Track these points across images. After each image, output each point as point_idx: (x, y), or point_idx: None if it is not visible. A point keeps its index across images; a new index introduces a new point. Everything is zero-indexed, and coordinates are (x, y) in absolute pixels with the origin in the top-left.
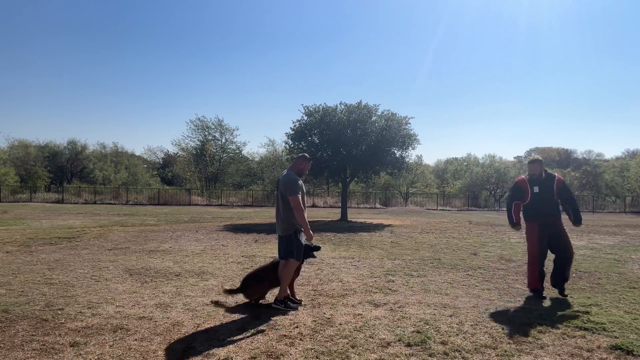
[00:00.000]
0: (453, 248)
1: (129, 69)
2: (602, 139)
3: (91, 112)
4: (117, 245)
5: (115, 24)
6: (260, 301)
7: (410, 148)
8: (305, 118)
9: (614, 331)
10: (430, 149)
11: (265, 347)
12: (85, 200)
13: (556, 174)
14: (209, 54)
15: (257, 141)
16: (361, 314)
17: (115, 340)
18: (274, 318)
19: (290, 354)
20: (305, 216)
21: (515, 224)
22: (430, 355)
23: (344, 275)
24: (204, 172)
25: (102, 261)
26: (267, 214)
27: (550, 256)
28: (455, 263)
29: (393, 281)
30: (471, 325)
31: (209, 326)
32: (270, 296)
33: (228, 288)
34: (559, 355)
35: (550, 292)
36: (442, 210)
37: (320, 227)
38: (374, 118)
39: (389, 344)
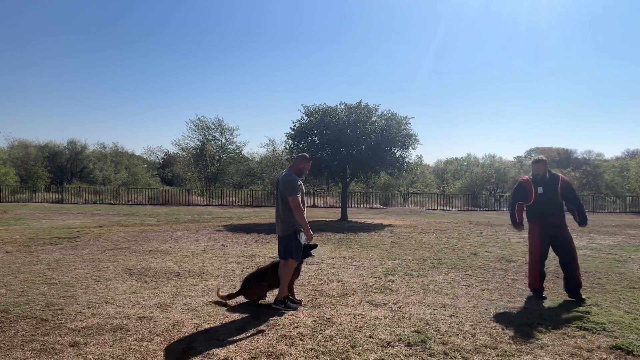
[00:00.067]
0: (453, 248)
1: (129, 69)
2: (602, 139)
3: (91, 112)
4: (117, 245)
5: (115, 24)
6: (260, 301)
7: (410, 148)
8: (305, 118)
9: (614, 331)
10: (430, 149)
11: (265, 347)
12: (85, 200)
13: (560, 175)
14: (209, 54)
15: (257, 141)
16: (361, 314)
17: (115, 340)
18: (274, 318)
19: (290, 354)
20: (305, 216)
21: (518, 225)
22: (430, 355)
23: (344, 275)
24: (204, 172)
25: (102, 261)
26: (267, 214)
27: (555, 258)
28: (455, 263)
29: (393, 281)
30: (471, 325)
31: (209, 326)
32: (271, 296)
33: (225, 294)
34: (559, 355)
35: (550, 292)
36: (442, 210)
37: (320, 227)
38: (374, 118)
39: (389, 344)
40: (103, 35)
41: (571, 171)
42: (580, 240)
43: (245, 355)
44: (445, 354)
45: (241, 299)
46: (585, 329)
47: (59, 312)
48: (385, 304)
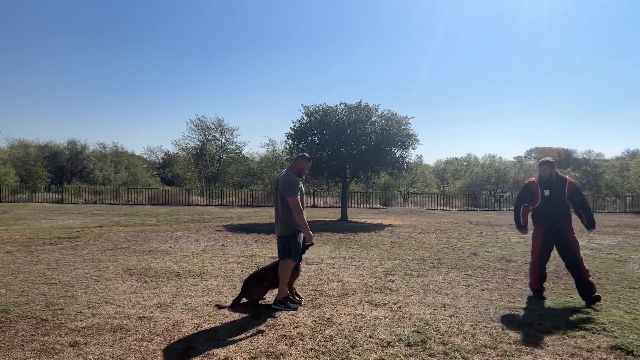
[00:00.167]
0: (453, 248)
1: (129, 69)
2: (602, 139)
3: (91, 112)
4: (117, 245)
5: (115, 24)
6: (260, 301)
7: (410, 148)
8: (305, 118)
9: (614, 331)
10: (430, 149)
11: (265, 347)
12: (85, 200)
13: (568, 177)
14: (209, 54)
15: (257, 141)
16: (361, 314)
17: (115, 340)
18: (274, 318)
19: (290, 354)
20: (305, 217)
21: (522, 227)
22: (430, 355)
23: (344, 275)
24: (204, 172)
25: (102, 261)
26: (267, 214)
27: (555, 259)
28: (455, 263)
29: (393, 281)
30: (471, 325)
31: (209, 326)
32: (271, 297)
33: (229, 305)
34: (559, 355)
35: (550, 292)
36: (442, 210)
37: (320, 227)
38: (374, 118)
39: (389, 344)
40: (103, 35)
41: (571, 171)
42: (581, 241)
43: (245, 355)
44: (445, 354)
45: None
46: (585, 329)
47: (59, 312)
48: (385, 304)
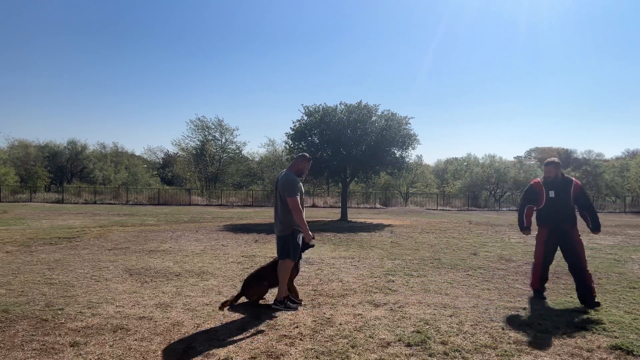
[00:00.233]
0: (453, 248)
1: (129, 69)
2: (602, 139)
3: (91, 112)
4: (117, 245)
5: (115, 24)
6: (260, 301)
7: (410, 148)
8: (305, 118)
9: (614, 331)
10: (430, 149)
11: (265, 347)
12: (85, 200)
13: (574, 179)
14: (209, 54)
15: (257, 141)
16: (361, 314)
17: (115, 340)
18: (274, 318)
19: (290, 354)
20: (304, 217)
21: (525, 229)
22: (430, 355)
23: (344, 275)
24: (204, 172)
25: (102, 261)
26: (267, 214)
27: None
28: (455, 263)
29: (393, 281)
30: (471, 325)
31: (209, 326)
32: (271, 296)
33: (230, 300)
34: (559, 355)
35: (550, 292)
36: (442, 210)
37: (320, 227)
38: (374, 118)
39: (389, 344)
40: (103, 35)
41: (571, 171)
42: None
43: (245, 355)
44: (445, 354)
45: (241, 299)
46: (585, 329)
47: (59, 312)
48: (385, 304)
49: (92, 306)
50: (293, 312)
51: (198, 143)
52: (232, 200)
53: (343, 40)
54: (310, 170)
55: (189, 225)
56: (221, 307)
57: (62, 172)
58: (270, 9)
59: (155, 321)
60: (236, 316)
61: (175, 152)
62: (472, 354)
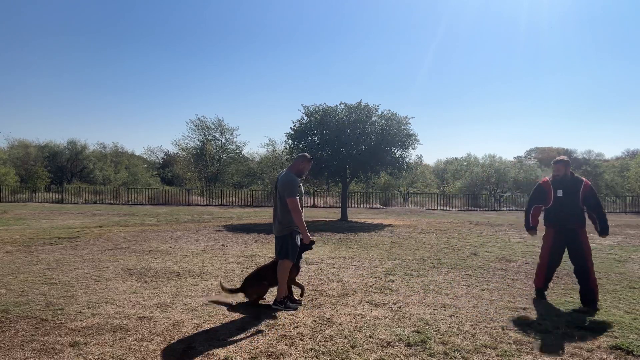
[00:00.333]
0: (453, 248)
1: (129, 69)
2: (602, 139)
3: (91, 112)
4: (117, 245)
5: (115, 24)
6: (260, 301)
7: (410, 148)
8: (305, 118)
9: (614, 331)
10: (430, 149)
11: (265, 347)
12: (85, 200)
13: (584, 178)
14: (209, 54)
15: (257, 141)
16: (361, 314)
17: (115, 340)
18: (274, 318)
19: (290, 354)
20: (303, 218)
21: (531, 229)
22: (430, 355)
23: (344, 275)
24: (204, 172)
25: (102, 261)
26: (267, 214)
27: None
28: (455, 263)
29: (393, 281)
30: (471, 325)
31: (209, 326)
32: (271, 296)
33: (229, 287)
34: (559, 355)
35: (550, 292)
36: (442, 210)
37: (320, 227)
38: (374, 118)
39: (389, 344)
40: (103, 35)
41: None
42: None
43: (245, 355)
44: (445, 354)
45: (241, 298)
46: (585, 329)
47: (59, 312)
48: (385, 304)
49: (92, 306)
50: (293, 312)
51: (198, 143)
52: (232, 200)
53: (343, 40)
54: (310, 170)
55: (189, 225)
56: (222, 288)
57: (62, 172)
58: (270, 9)
59: (155, 321)
60: (236, 316)
61: (175, 152)
62: (472, 354)
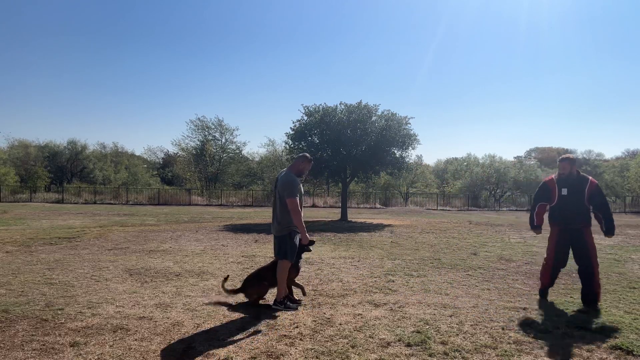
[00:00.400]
0: (453, 248)
1: (129, 69)
2: (602, 139)
3: (91, 112)
4: (117, 245)
5: (115, 24)
6: (260, 301)
7: (410, 148)
8: (305, 118)
9: (614, 331)
10: (430, 149)
11: (265, 347)
12: (85, 200)
13: (590, 177)
14: (209, 54)
15: (257, 141)
16: (361, 314)
17: (115, 340)
18: (274, 318)
19: (290, 354)
20: (302, 218)
21: (536, 227)
22: (430, 355)
23: (344, 275)
24: (204, 172)
25: (102, 261)
26: (267, 214)
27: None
28: (455, 263)
29: (393, 281)
30: (471, 325)
31: (209, 326)
32: (271, 296)
33: (230, 288)
34: (559, 355)
35: (551, 292)
36: (442, 210)
37: (320, 227)
38: (374, 118)
39: (389, 344)
40: (103, 35)
41: None
42: None
43: (245, 355)
44: (445, 354)
45: (241, 298)
46: (586, 329)
47: (59, 312)
48: (385, 304)
49: (92, 306)
50: (293, 312)
51: (198, 143)
52: (232, 200)
53: (343, 40)
54: (310, 170)
55: (189, 225)
56: (222, 289)
57: (62, 172)
58: (270, 9)
59: (155, 321)
60: (236, 316)
61: (175, 152)
62: (472, 354)
